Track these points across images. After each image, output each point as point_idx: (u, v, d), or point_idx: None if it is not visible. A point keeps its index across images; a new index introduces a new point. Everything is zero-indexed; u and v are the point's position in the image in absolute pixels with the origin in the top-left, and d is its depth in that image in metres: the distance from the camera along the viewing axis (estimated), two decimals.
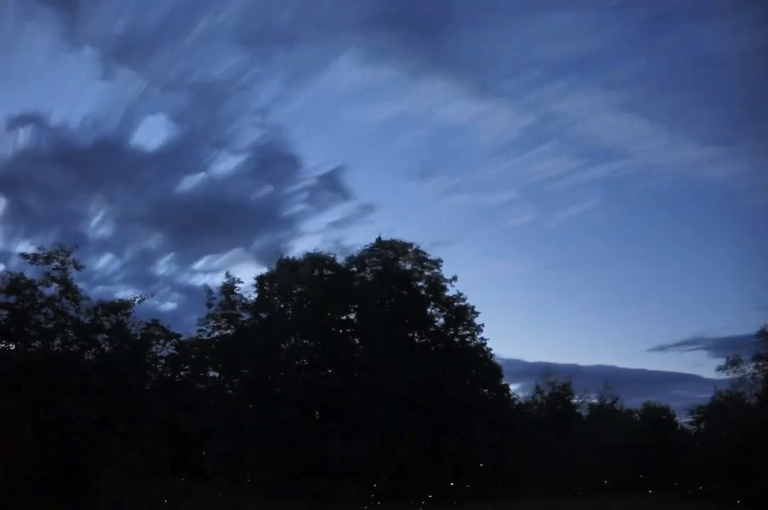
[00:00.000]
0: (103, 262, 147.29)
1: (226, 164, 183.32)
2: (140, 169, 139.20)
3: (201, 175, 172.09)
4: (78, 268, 36.19)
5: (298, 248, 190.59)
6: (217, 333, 50.79)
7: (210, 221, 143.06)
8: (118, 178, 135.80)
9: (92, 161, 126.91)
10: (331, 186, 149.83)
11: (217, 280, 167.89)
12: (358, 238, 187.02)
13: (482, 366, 59.05)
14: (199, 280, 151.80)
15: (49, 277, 35.33)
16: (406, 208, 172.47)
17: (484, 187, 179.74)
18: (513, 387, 76.46)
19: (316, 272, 53.60)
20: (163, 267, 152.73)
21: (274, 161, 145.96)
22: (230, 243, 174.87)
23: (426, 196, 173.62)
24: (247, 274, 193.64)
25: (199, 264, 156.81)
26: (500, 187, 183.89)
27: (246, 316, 52.87)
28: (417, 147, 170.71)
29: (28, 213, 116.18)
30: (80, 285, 36.65)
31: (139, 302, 37.57)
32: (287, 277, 51.74)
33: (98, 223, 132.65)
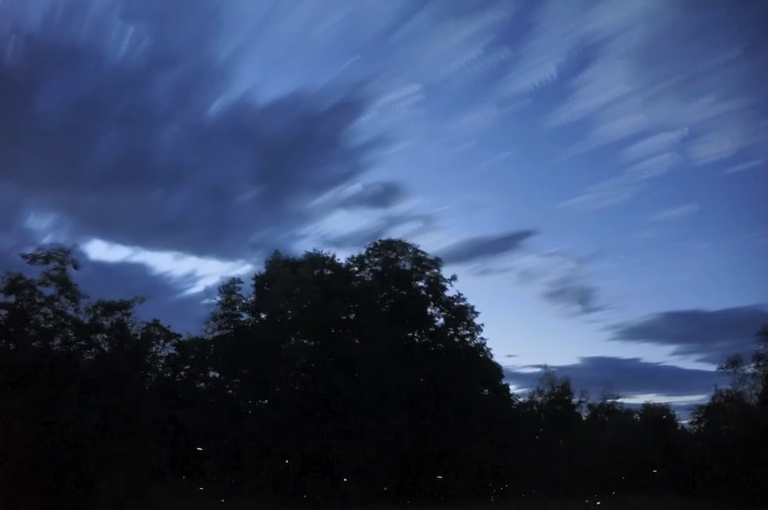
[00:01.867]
0: (170, 199, 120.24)
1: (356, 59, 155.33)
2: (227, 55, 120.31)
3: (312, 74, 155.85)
4: (77, 267, 36.22)
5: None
6: (217, 333, 50.73)
7: (314, 146, 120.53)
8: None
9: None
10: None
11: (306, 230, 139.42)
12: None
13: (482, 366, 59.07)
14: (289, 232, 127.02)
15: (48, 276, 35.32)
16: None
17: None
18: None
19: (316, 272, 53.62)
20: (242, 211, 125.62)
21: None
22: (333, 180, 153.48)
23: None
24: (344, 227, 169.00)
25: (288, 208, 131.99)
26: None
27: (246, 316, 52.89)
28: None
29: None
30: (129, 240, 36.52)
31: (140, 302, 37.44)
32: (287, 277, 51.69)
33: (166, 139, 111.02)
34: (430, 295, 59.45)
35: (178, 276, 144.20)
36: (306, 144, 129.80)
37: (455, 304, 59.21)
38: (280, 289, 52.27)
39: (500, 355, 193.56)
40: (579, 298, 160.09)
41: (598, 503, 53.72)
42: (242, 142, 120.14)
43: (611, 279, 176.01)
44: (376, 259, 59.63)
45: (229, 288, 52.35)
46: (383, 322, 51.89)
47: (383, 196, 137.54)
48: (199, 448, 43.45)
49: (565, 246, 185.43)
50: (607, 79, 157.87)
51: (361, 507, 43.59)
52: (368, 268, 59.47)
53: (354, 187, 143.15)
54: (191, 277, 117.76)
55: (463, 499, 51.06)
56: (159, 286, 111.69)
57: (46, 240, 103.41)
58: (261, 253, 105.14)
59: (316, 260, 55.10)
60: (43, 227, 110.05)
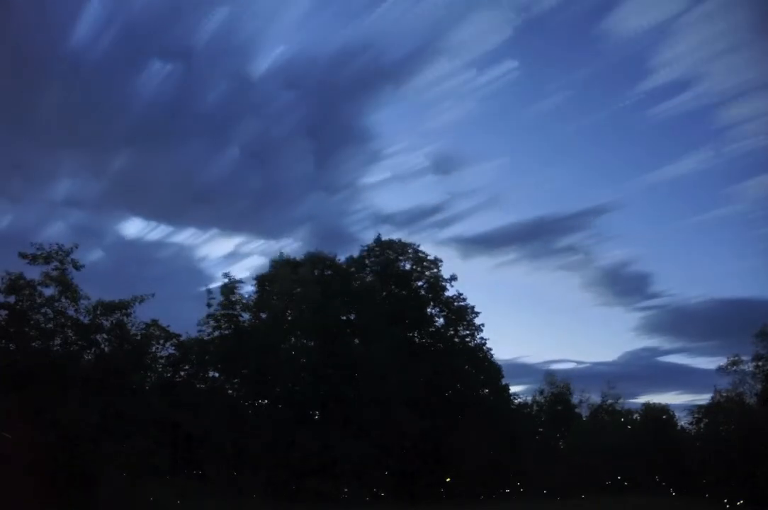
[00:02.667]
0: (211, 163, 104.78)
1: None
2: None
3: None
4: (77, 268, 36.21)
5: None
6: (217, 333, 50.76)
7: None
8: None
9: None
10: None
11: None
12: None
13: (482, 366, 59.14)
14: (340, 206, 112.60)
15: (48, 277, 35.36)
16: None
17: None
18: None
19: (316, 272, 53.68)
20: (289, 180, 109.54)
21: None
22: (394, 147, 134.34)
23: None
24: (402, 201, 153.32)
25: (341, 178, 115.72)
26: None
27: (246, 316, 52.88)
28: None
29: None
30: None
31: (140, 302, 37.43)
32: (287, 277, 51.74)
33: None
34: (430, 295, 59.56)
35: (217, 257, 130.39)
36: (365, 102, 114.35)
37: (455, 304, 59.34)
38: (281, 289, 52.34)
39: (542, 349, 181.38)
40: (634, 285, 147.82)
41: (598, 503, 53.74)
42: (293, 100, 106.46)
43: (674, 263, 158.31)
44: (376, 259, 59.73)
45: (229, 289, 52.33)
46: (383, 322, 51.91)
47: (448, 165, 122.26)
48: (199, 449, 43.46)
49: (634, 225, 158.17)
50: (723, 21, 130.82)
51: (362, 507, 43.61)
52: (368, 269, 59.58)
53: (416, 155, 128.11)
54: (233, 257, 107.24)
55: (463, 499, 51.10)
56: (197, 268, 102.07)
57: (73, 215, 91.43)
58: (308, 230, 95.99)
59: (316, 260, 55.22)
60: (69, 195, 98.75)
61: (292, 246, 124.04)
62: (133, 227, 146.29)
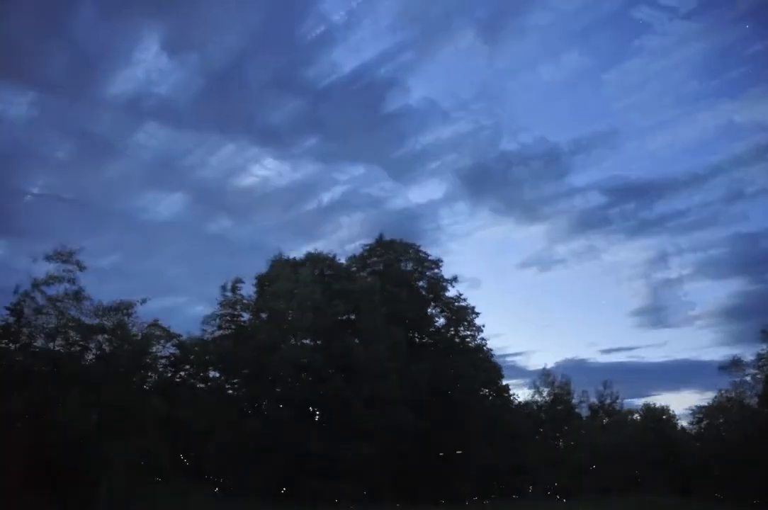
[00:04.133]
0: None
1: None
2: None
3: None
4: (81, 268, 36.22)
5: None
6: (217, 333, 50.82)
7: None
8: None
9: None
10: None
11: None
12: None
13: (482, 366, 59.19)
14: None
15: (51, 277, 35.38)
16: None
17: None
18: None
19: (317, 272, 53.73)
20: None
21: None
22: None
23: None
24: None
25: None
26: None
27: (246, 316, 52.95)
28: None
29: None
30: None
31: (141, 303, 37.47)
32: (287, 277, 51.76)
33: None
34: (431, 296, 59.64)
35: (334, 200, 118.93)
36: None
37: (455, 304, 59.43)
38: (281, 289, 52.33)
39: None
40: (750, 262, 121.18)
41: (598, 503, 53.76)
42: None
43: None
44: (377, 260, 59.82)
45: (232, 287, 52.43)
46: (383, 323, 51.95)
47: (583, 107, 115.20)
48: (199, 449, 43.53)
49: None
50: None
51: (361, 507, 43.64)
52: (369, 269, 59.65)
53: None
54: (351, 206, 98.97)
55: (463, 500, 51.16)
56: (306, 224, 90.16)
57: (148, 127, 69.12)
58: (452, 163, 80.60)
59: (316, 260, 55.31)
60: (140, 97, 78.65)
61: (426, 194, 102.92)
62: (225, 156, 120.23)
